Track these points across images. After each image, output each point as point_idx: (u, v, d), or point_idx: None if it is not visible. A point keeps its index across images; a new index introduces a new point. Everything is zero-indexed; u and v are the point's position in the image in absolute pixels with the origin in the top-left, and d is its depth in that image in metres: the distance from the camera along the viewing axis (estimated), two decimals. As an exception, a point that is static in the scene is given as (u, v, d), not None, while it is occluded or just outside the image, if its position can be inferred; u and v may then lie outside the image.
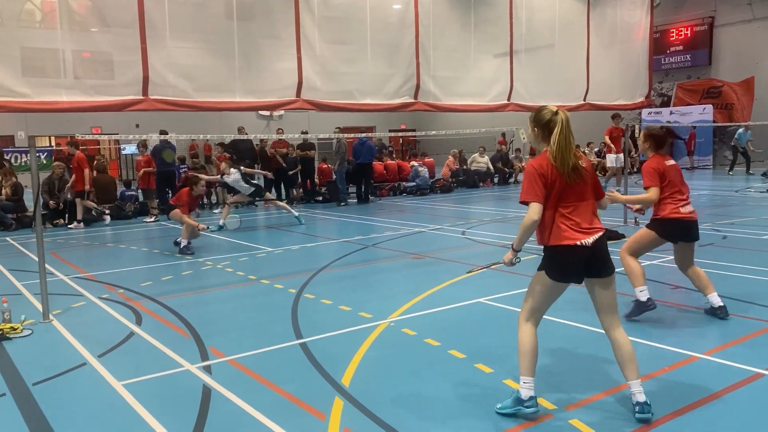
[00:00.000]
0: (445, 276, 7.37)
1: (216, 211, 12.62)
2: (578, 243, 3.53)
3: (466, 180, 20.25)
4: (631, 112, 25.01)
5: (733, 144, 22.08)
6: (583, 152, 23.54)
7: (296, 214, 12.63)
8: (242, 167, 12.63)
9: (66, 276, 8.10)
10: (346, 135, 16.49)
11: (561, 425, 3.57)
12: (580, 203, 3.61)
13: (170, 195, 13.66)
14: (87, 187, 13.28)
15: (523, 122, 4.72)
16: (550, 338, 4.30)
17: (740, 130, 21.51)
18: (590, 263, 3.58)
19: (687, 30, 26.16)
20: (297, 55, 14.84)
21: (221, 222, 11.93)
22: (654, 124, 24.45)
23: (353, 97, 16.08)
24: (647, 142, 5.46)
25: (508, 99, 18.52)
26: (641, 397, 3.56)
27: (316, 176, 17.72)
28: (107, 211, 13.88)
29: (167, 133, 14.74)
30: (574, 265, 3.58)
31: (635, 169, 20.12)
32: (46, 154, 24.39)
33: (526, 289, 3.79)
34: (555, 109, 3.63)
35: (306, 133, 17.26)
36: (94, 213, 13.69)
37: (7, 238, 11.86)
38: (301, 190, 17.28)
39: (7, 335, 5.49)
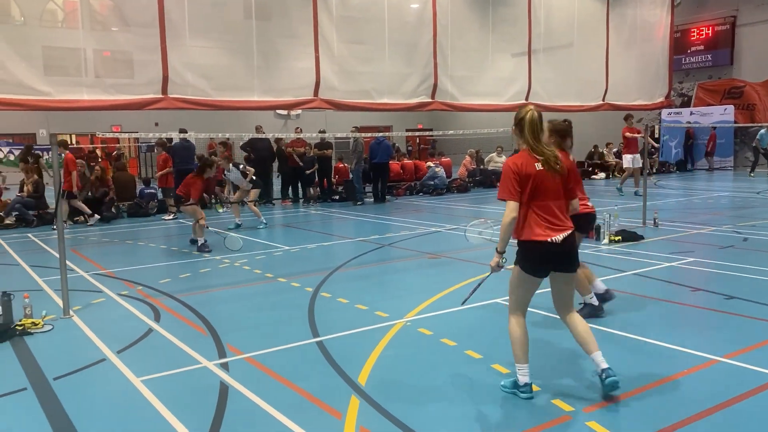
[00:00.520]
0: (461, 276, 7.37)
1: (221, 211, 12.66)
2: (549, 240, 3.79)
3: (483, 180, 20.17)
4: (650, 112, 24.76)
5: (754, 145, 21.78)
6: (602, 153, 23.39)
7: (264, 222, 12.09)
8: (241, 165, 12.63)
9: (86, 272, 8.20)
10: (363, 134, 16.50)
11: (579, 428, 3.56)
12: (553, 202, 3.84)
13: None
14: (75, 189, 13.17)
15: (541, 122, 4.67)
16: (568, 341, 4.27)
17: (762, 131, 21.22)
18: (559, 259, 3.85)
19: (708, 29, 25.86)
20: (315, 55, 14.87)
21: (237, 221, 12.06)
22: (674, 125, 24.15)
23: (371, 97, 16.09)
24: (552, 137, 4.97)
25: (526, 99, 18.39)
26: (604, 365, 3.83)
27: (332, 175, 17.79)
28: (96, 216, 13.58)
29: (186, 132, 14.86)
30: (544, 259, 3.84)
31: (653, 170, 19.90)
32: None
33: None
34: (529, 107, 3.91)
35: (323, 132, 17.29)
36: (83, 217, 13.50)
37: (29, 235, 12.04)
38: (318, 189, 17.35)
39: (29, 330, 5.58)
